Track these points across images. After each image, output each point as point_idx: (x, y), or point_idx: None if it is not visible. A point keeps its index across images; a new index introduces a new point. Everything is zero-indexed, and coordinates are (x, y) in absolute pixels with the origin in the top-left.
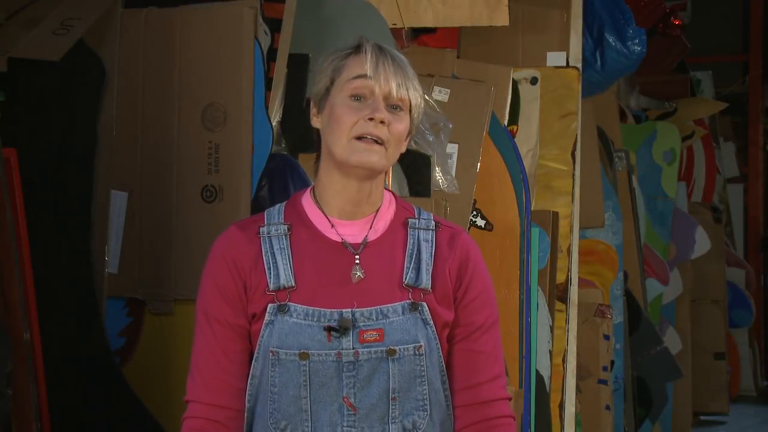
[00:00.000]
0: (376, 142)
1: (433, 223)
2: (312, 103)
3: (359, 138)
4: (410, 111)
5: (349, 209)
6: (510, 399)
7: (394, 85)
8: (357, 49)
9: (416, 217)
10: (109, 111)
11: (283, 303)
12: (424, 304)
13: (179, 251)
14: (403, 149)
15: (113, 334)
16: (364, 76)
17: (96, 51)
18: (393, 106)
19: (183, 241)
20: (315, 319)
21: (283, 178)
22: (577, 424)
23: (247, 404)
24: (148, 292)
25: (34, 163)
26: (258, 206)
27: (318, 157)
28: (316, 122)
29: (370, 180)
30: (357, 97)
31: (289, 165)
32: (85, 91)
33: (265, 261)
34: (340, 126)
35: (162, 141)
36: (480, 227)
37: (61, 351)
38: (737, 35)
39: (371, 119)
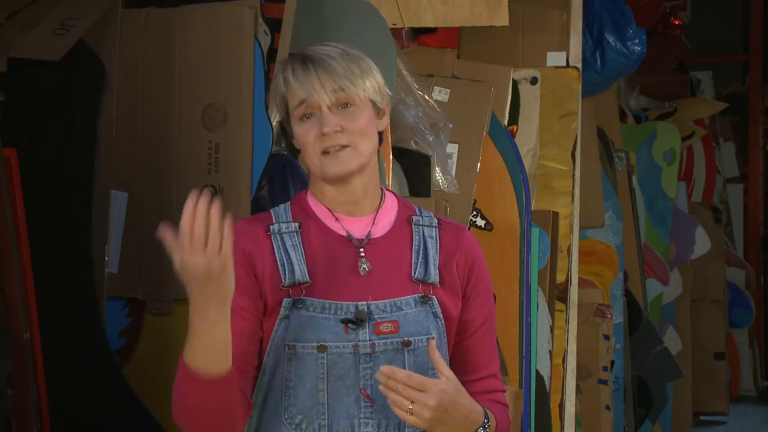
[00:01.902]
0: (342, 147)
1: (436, 220)
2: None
3: (325, 153)
4: (369, 95)
5: (350, 207)
6: (504, 392)
7: (324, 95)
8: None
9: (419, 215)
10: (109, 111)
11: (298, 297)
12: (434, 298)
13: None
14: (381, 128)
15: (113, 334)
16: (302, 101)
17: (96, 51)
18: (342, 105)
19: None
20: (332, 312)
21: (283, 178)
22: (577, 424)
23: (254, 398)
24: (148, 292)
25: (34, 163)
26: (258, 206)
27: None
28: (296, 144)
29: (357, 177)
30: (308, 116)
31: (289, 165)
32: (85, 91)
33: (278, 258)
34: (306, 148)
35: (162, 141)
36: (480, 227)
37: (61, 351)
38: (737, 35)
39: (324, 134)
